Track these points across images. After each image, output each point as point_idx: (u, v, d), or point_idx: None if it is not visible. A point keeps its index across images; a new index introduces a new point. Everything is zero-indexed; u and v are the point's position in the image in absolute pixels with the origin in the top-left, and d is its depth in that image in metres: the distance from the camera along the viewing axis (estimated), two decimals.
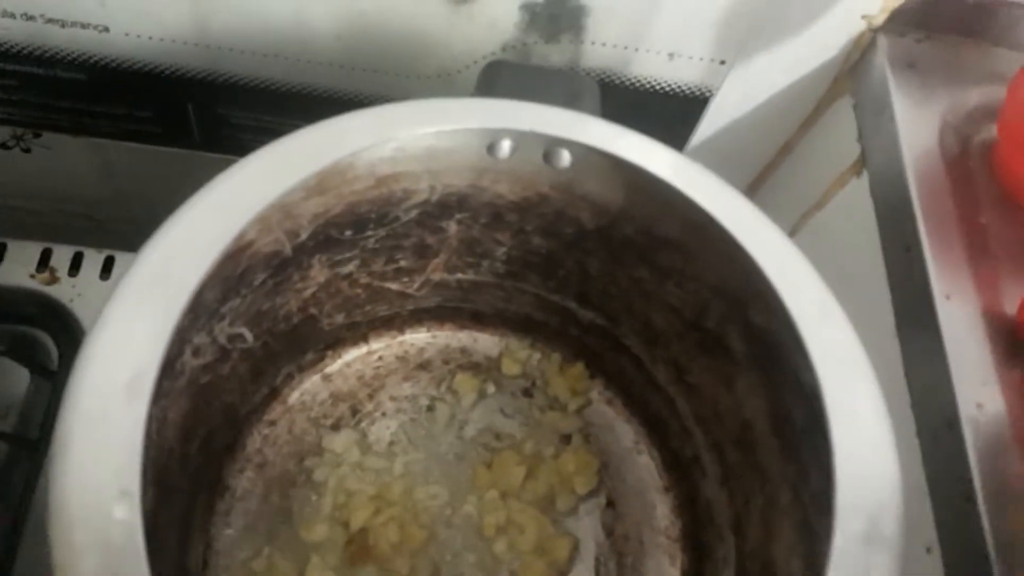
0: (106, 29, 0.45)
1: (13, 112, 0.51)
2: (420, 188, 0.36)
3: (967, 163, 0.47)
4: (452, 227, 0.40)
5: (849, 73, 0.53)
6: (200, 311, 0.33)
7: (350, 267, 0.41)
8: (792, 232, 0.60)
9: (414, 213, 0.38)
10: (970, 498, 0.36)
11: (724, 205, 0.32)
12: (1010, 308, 0.42)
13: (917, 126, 0.47)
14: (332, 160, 0.29)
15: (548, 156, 0.35)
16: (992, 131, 0.48)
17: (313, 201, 0.34)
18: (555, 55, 0.50)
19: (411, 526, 0.43)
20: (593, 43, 0.49)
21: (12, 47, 0.46)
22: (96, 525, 0.22)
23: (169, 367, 0.32)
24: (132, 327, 0.25)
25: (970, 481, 0.37)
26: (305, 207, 0.34)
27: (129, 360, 0.24)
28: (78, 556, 0.21)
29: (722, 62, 0.47)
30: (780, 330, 0.31)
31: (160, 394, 0.31)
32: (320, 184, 0.33)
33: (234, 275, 0.34)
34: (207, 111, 0.51)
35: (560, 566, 0.43)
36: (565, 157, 0.35)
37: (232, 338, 0.37)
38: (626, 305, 0.42)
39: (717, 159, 0.61)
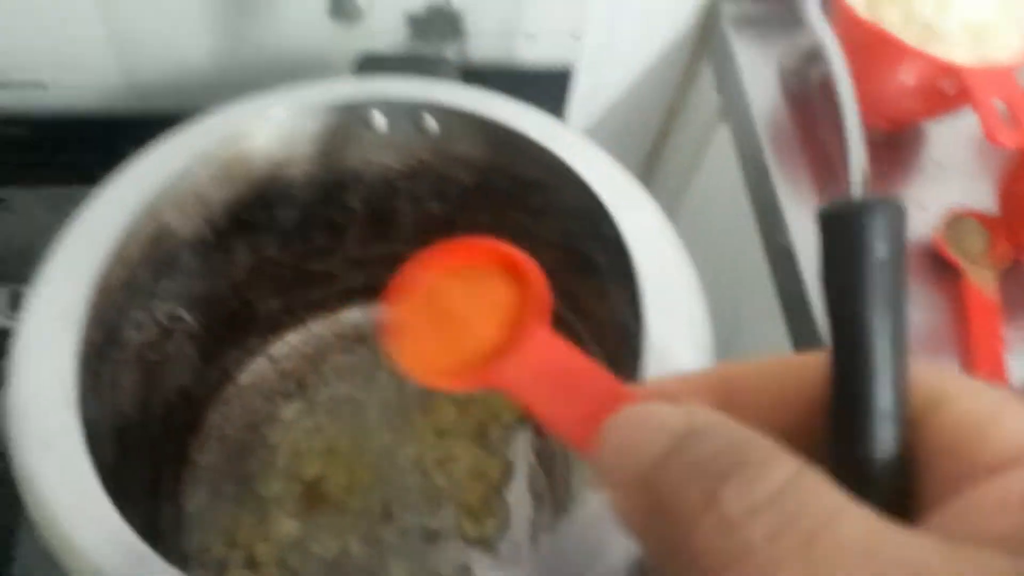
0: (43, 86, 0.51)
1: None
2: (315, 169, 0.43)
3: (808, 95, 0.54)
4: (355, 202, 0.46)
5: (703, 37, 0.60)
6: (135, 290, 0.39)
7: (271, 250, 0.47)
8: (687, 179, 0.67)
9: (317, 193, 0.44)
10: None
11: (563, 142, 0.39)
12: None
13: (758, 72, 0.54)
14: (220, 146, 0.35)
15: (418, 124, 0.41)
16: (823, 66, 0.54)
17: (222, 189, 0.40)
18: (446, 54, 0.57)
19: (359, 469, 0.49)
20: (474, 40, 0.56)
21: None
22: (42, 421, 0.27)
23: (112, 338, 0.38)
24: (61, 282, 0.31)
25: None
26: (216, 194, 0.40)
27: (59, 305, 0.30)
28: (27, 440, 0.27)
29: (575, 37, 0.54)
30: (618, 237, 0.37)
31: (106, 360, 0.37)
32: (224, 170, 0.39)
33: (162, 258, 0.40)
34: (141, 148, 0.57)
35: (495, 485, 0.49)
36: (432, 123, 0.41)
37: (172, 318, 0.43)
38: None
39: (615, 129, 0.68)
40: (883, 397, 0.15)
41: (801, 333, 0.45)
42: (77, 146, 0.58)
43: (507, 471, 0.49)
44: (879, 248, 0.14)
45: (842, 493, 0.13)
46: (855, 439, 0.15)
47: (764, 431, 0.14)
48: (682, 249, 0.35)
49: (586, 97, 0.63)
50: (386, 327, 0.23)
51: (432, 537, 0.47)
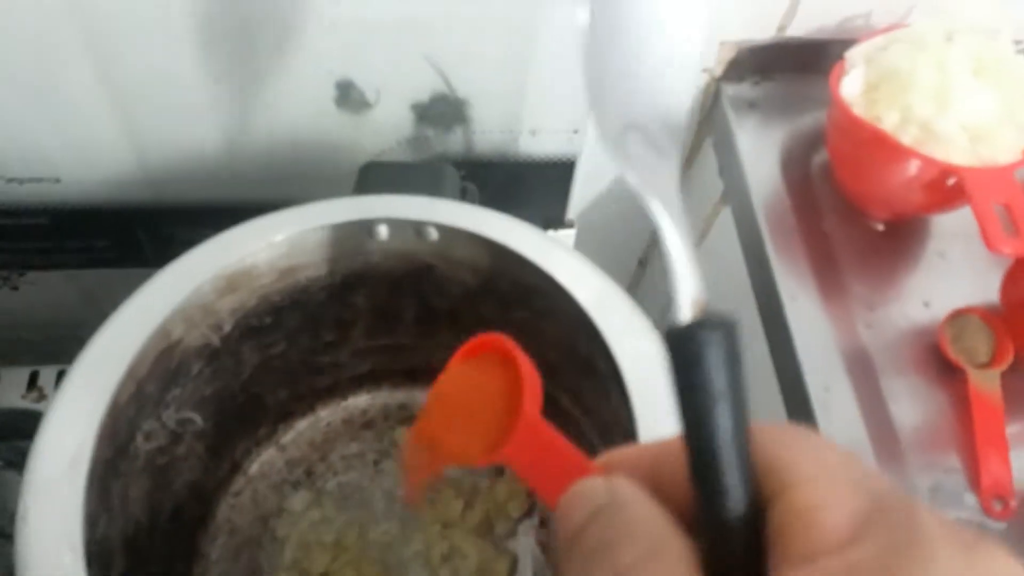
0: (58, 180, 0.53)
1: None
2: (321, 275, 0.44)
3: (809, 181, 0.54)
4: (361, 301, 0.47)
5: (706, 119, 0.61)
6: (144, 401, 0.40)
7: (279, 348, 0.48)
8: None
9: (322, 295, 0.45)
10: None
11: (553, 258, 0.39)
12: (855, 300, 0.49)
13: (758, 156, 0.55)
14: (227, 264, 0.36)
15: (419, 233, 0.42)
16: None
17: (228, 298, 0.41)
18: (450, 144, 0.58)
19: (365, 564, 0.49)
20: (482, 131, 0.57)
21: None
22: (49, 571, 0.28)
23: (122, 451, 0.39)
24: (70, 419, 0.31)
25: None
26: (222, 304, 0.41)
27: (69, 444, 0.31)
28: None
29: (575, 131, 0.54)
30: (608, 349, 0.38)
31: (117, 473, 0.38)
32: (230, 283, 0.40)
33: (171, 368, 0.41)
34: (155, 233, 0.59)
35: None
36: (432, 232, 0.42)
37: (182, 423, 0.44)
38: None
39: (620, 211, 0.69)
40: (726, 483, 0.17)
41: (798, 418, 0.46)
42: (93, 233, 0.59)
43: (513, 567, 0.50)
44: (716, 372, 0.17)
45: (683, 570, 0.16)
46: (707, 522, 0.17)
47: (671, 500, 0.18)
48: None
49: (593, 178, 0.63)
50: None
51: None
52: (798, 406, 0.45)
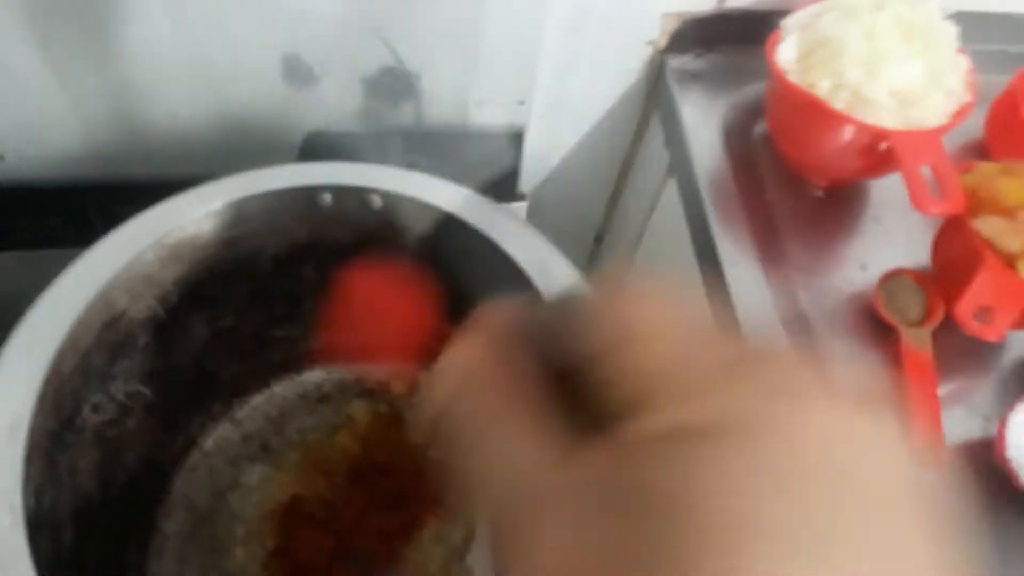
0: (2, 157, 0.52)
1: None
2: (266, 244, 0.44)
3: (751, 151, 0.56)
4: (309, 272, 0.48)
5: (652, 92, 0.62)
6: (90, 373, 0.40)
7: (228, 320, 0.48)
8: (640, 233, 0.68)
9: (269, 266, 0.46)
10: None
11: (501, 228, 0.40)
12: (795, 265, 0.50)
13: (701, 127, 0.56)
14: (168, 232, 0.37)
15: (364, 202, 0.43)
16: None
17: (172, 268, 0.41)
18: (400, 118, 0.58)
19: (322, 536, 0.50)
20: (429, 103, 0.57)
21: None
22: None
23: (68, 423, 0.39)
24: (8, 386, 0.32)
25: None
26: (166, 274, 0.41)
27: (6, 411, 0.31)
28: None
29: (522, 102, 0.55)
30: None
31: (64, 445, 0.38)
32: (173, 253, 0.40)
33: (117, 340, 0.41)
34: (105, 212, 0.58)
35: (458, 550, 0.50)
36: (376, 200, 0.42)
37: (131, 395, 0.44)
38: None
39: (575, 180, 0.70)
40: None
41: None
42: (42, 212, 0.59)
43: (469, 536, 0.51)
44: None
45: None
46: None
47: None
48: None
49: (544, 152, 0.64)
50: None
51: None
52: None
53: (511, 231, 0.40)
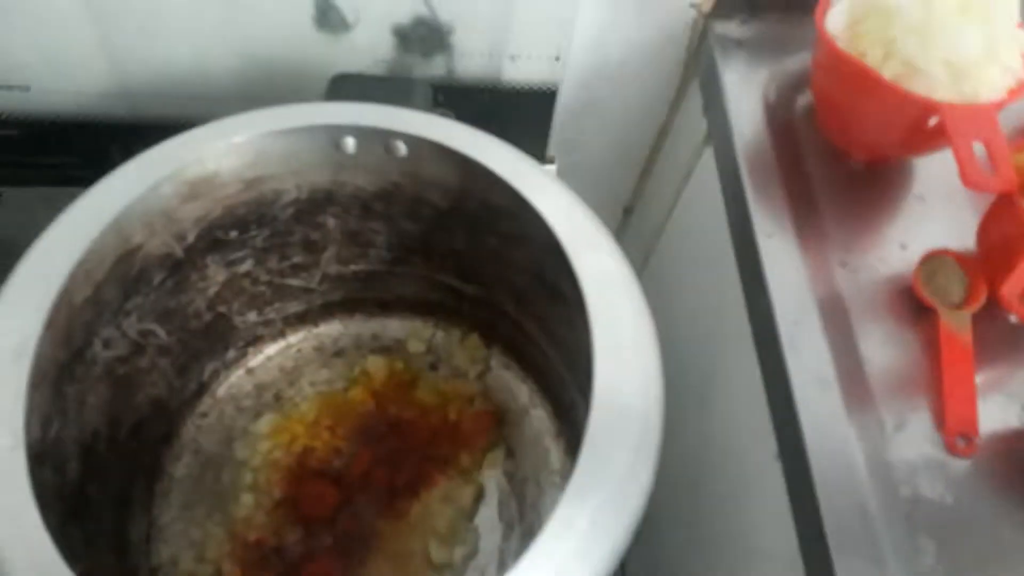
0: (27, 88, 0.52)
1: None
2: (287, 188, 0.43)
3: (792, 122, 0.53)
4: (329, 221, 0.47)
5: (693, 57, 0.60)
6: (103, 307, 0.39)
7: (246, 266, 0.47)
8: (672, 204, 0.67)
9: (290, 211, 0.45)
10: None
11: (527, 179, 0.39)
12: (832, 240, 0.48)
13: (743, 96, 0.54)
14: (187, 165, 0.35)
15: (388, 148, 0.41)
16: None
17: (190, 206, 0.40)
18: (433, 69, 0.57)
19: (329, 489, 0.49)
20: (461, 55, 0.56)
21: None
22: None
23: (79, 356, 0.38)
24: (15, 310, 0.31)
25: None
26: (184, 212, 0.40)
27: (13, 335, 0.30)
28: None
29: (557, 58, 0.53)
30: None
31: (72, 378, 0.38)
32: (192, 190, 0.39)
33: (131, 275, 0.40)
34: (128, 151, 0.57)
35: (466, 510, 0.49)
36: (401, 148, 0.41)
37: (143, 333, 0.43)
38: (494, 273, 0.48)
39: (610, 142, 0.68)
40: None
41: (768, 360, 0.45)
42: (64, 149, 0.58)
43: (478, 497, 0.50)
44: None
45: None
46: None
47: None
48: (636, 291, 0.35)
49: (575, 115, 0.62)
50: None
51: (401, 561, 0.47)
52: (766, 338, 0.45)
53: (539, 185, 0.38)
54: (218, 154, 0.38)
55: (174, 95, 0.56)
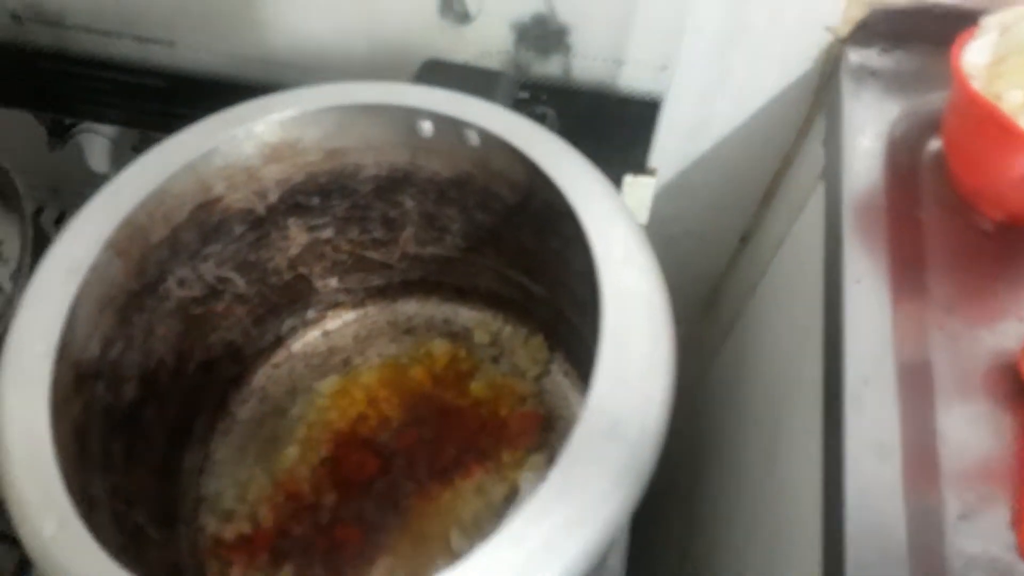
0: (172, 43, 0.57)
1: (118, 114, 0.64)
2: (367, 163, 0.44)
3: (916, 166, 0.49)
4: (408, 202, 0.48)
5: (825, 84, 0.56)
6: (179, 248, 0.42)
7: (327, 232, 0.49)
8: (783, 236, 0.63)
9: (370, 187, 0.46)
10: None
11: (577, 184, 0.38)
12: (932, 299, 0.44)
13: (865, 129, 0.49)
14: (266, 126, 0.38)
15: (461, 137, 0.42)
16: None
17: (272, 167, 0.43)
18: (549, 68, 0.57)
19: (373, 458, 0.50)
20: (577, 56, 0.55)
21: (109, 58, 0.59)
22: (26, 355, 0.31)
23: (150, 289, 0.42)
24: (79, 234, 0.34)
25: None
26: (267, 172, 0.43)
27: (71, 254, 0.33)
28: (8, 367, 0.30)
29: (664, 68, 0.51)
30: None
31: (142, 307, 0.41)
32: (274, 152, 0.42)
33: (211, 223, 0.43)
34: None
35: (495, 506, 0.49)
36: (474, 138, 0.41)
37: (221, 280, 0.47)
38: (557, 277, 0.48)
39: (727, 169, 0.65)
40: None
41: (829, 417, 0.42)
42: (208, 106, 0.63)
43: (510, 496, 0.49)
44: None
45: None
46: None
47: None
48: (663, 316, 0.34)
49: (691, 130, 0.60)
50: None
51: (422, 541, 0.48)
52: (831, 392, 0.42)
53: (587, 193, 0.37)
54: (296, 120, 0.40)
55: (308, 68, 0.59)
